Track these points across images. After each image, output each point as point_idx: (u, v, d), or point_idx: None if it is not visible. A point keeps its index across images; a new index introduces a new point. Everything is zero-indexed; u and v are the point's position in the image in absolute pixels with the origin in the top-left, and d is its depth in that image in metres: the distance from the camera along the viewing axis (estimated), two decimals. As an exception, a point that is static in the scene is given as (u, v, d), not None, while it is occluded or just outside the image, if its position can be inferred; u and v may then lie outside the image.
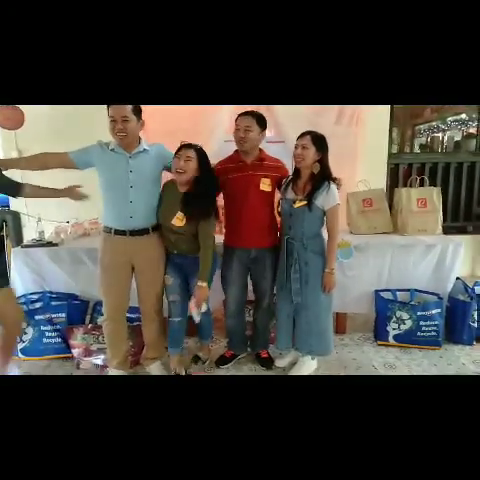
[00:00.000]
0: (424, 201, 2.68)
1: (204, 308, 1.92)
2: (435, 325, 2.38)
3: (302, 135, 1.92)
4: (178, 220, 1.85)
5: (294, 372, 2.15)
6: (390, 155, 3.56)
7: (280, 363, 2.25)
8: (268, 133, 3.16)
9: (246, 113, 2.01)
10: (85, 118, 3.17)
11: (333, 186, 1.90)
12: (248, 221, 2.00)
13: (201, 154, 1.85)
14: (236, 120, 2.02)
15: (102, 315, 2.12)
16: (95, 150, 1.90)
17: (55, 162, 1.93)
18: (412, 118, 4.04)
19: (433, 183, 3.59)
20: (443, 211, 3.72)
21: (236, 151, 2.08)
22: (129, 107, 1.78)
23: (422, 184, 2.84)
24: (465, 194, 3.74)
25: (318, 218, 1.94)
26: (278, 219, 2.14)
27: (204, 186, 1.85)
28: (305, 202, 1.89)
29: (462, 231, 3.69)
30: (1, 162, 2.00)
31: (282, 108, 3.12)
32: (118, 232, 1.90)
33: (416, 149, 3.91)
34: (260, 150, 2.07)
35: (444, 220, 3.71)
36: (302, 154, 1.88)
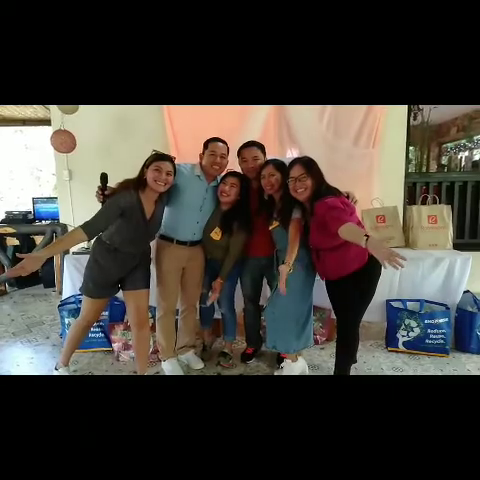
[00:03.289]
0: (434, 218, 2.86)
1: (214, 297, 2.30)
2: (442, 333, 2.54)
3: (267, 164, 2.10)
4: (215, 234, 2.22)
5: (279, 372, 2.34)
6: (407, 174, 3.75)
7: (277, 372, 2.37)
8: (289, 155, 3.46)
9: (249, 144, 2.24)
10: (126, 144, 3.60)
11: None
12: (258, 235, 2.23)
13: (243, 181, 2.19)
14: (240, 152, 2.24)
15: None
16: (181, 172, 2.12)
17: None
18: (438, 137, 4.17)
19: (451, 202, 3.75)
20: (461, 228, 3.87)
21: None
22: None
23: (437, 202, 3.02)
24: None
25: None
26: None
27: (241, 208, 2.20)
28: (277, 224, 2.09)
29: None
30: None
31: (301, 130, 3.39)
32: (179, 242, 2.21)
33: (434, 169, 4.06)
34: None
35: (462, 237, 3.86)
36: (273, 184, 2.06)
